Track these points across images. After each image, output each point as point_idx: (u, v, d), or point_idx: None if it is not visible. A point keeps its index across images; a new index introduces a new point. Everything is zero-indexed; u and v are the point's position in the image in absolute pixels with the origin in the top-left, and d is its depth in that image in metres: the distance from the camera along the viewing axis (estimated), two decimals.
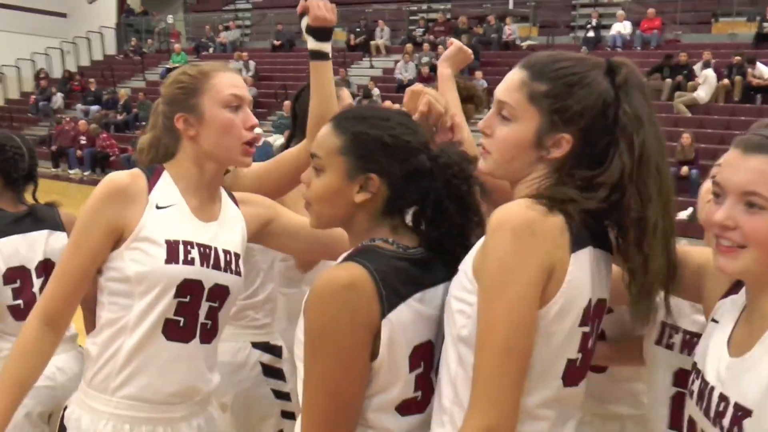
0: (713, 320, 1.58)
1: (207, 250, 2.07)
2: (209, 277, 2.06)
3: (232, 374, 2.76)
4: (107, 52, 26.95)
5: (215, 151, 2.10)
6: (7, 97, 25.12)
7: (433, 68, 18.42)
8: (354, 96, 14.38)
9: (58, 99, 23.69)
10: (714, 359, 1.50)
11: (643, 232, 1.56)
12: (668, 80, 16.44)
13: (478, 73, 17.79)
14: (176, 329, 2.02)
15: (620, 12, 19.52)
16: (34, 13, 27.14)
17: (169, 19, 27.29)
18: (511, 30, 20.51)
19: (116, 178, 2.08)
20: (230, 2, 28.51)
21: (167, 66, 23.38)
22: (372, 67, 21.62)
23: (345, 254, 1.68)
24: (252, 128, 2.13)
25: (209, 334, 2.10)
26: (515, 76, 1.62)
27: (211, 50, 24.89)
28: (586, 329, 1.56)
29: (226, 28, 25.43)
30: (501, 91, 1.63)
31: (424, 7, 24.14)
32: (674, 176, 13.30)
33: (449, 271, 1.65)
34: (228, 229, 2.17)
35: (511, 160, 1.62)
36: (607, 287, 1.65)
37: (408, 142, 1.68)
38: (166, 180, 2.10)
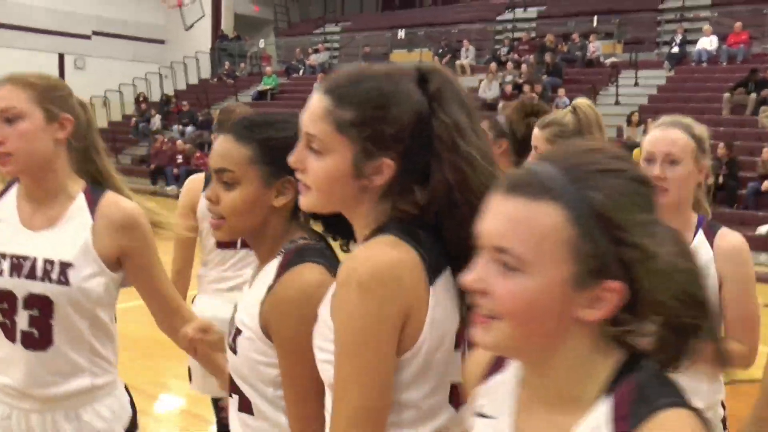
0: (480, 415, 1.23)
1: (21, 261, 2.07)
2: (21, 286, 2.05)
3: None
4: (202, 76, 27.81)
5: None
6: (111, 120, 26.11)
7: (517, 87, 18.64)
8: None
9: (156, 121, 24.53)
10: None
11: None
12: (753, 95, 16.21)
13: (561, 91, 17.80)
14: (3, 330, 2.10)
15: (707, 26, 19.17)
16: (135, 41, 28.64)
17: (261, 43, 28.07)
18: (595, 47, 20.42)
19: None
20: (320, 26, 29.17)
21: (258, 88, 24.27)
22: None
23: (280, 260, 1.65)
24: None
25: (39, 342, 2.07)
26: (318, 103, 1.42)
27: (300, 72, 25.59)
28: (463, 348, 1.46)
29: (316, 51, 26.01)
30: (305, 122, 1.43)
31: (509, 26, 24.25)
32: (756, 191, 13.27)
33: None
34: (61, 237, 2.10)
35: (331, 195, 1.43)
36: None
37: None
38: (10, 194, 2.19)
